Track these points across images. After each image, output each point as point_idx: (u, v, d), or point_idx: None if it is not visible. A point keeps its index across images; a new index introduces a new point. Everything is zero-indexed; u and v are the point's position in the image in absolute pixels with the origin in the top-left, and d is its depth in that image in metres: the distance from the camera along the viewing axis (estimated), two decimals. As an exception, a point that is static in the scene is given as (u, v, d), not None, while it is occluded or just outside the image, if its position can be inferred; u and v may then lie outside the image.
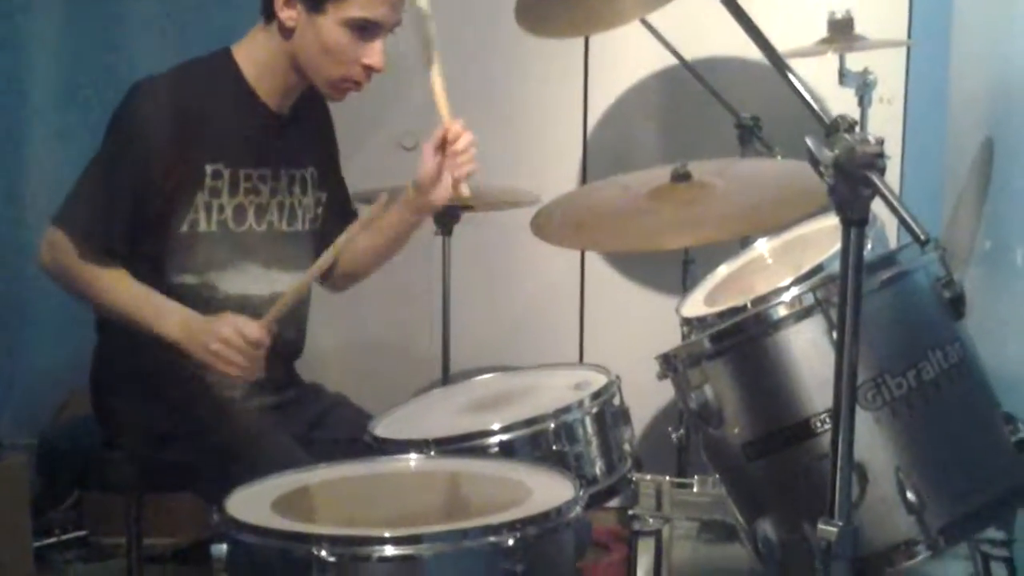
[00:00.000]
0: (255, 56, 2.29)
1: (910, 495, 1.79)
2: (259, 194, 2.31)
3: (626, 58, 3.62)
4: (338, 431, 2.33)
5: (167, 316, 2.19)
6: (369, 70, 2.26)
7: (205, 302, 2.26)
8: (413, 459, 1.99)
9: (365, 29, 2.22)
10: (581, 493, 1.72)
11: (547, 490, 1.75)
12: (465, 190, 2.40)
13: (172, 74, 2.28)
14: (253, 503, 1.75)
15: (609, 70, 3.69)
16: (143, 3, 3.74)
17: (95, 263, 2.20)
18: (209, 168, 2.24)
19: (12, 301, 3.57)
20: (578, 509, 1.68)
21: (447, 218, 3.14)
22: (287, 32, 2.24)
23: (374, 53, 2.24)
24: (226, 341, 2.12)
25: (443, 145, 2.37)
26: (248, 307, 2.29)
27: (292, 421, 2.34)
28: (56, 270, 2.23)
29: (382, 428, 2.19)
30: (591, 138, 3.72)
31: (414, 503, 1.87)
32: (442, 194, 2.39)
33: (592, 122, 3.72)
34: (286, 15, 2.23)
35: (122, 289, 2.21)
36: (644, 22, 3.07)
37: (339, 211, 2.49)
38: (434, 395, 2.49)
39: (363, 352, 3.66)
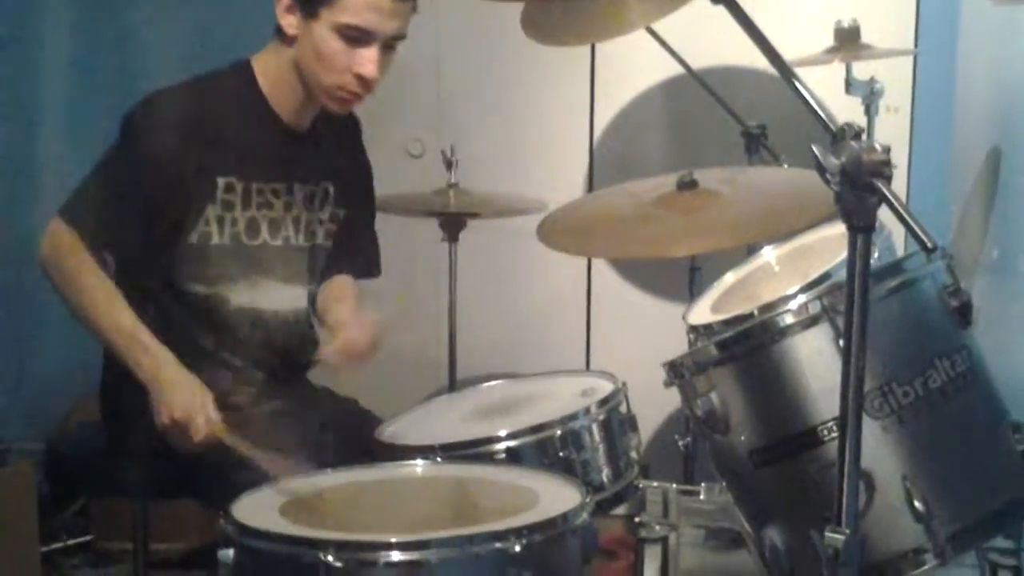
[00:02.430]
0: (269, 68, 2.29)
1: (917, 503, 1.79)
2: (272, 208, 2.30)
3: (632, 66, 3.62)
4: (349, 435, 2.33)
5: (142, 355, 2.15)
6: (361, 80, 2.22)
7: (215, 312, 2.27)
8: (420, 465, 1.99)
9: (357, 38, 2.19)
10: (588, 499, 1.72)
11: (554, 496, 1.75)
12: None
13: (188, 85, 2.28)
14: (260, 508, 1.76)
15: (615, 78, 3.69)
16: (159, 16, 3.76)
17: (93, 269, 2.17)
18: (221, 181, 2.23)
19: (20, 307, 3.57)
20: (585, 515, 1.69)
21: (453, 225, 3.15)
22: (289, 40, 2.24)
23: (365, 62, 2.19)
24: (173, 424, 2.09)
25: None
26: (260, 320, 2.30)
27: (302, 425, 2.34)
28: (52, 263, 2.21)
29: (389, 434, 2.20)
30: (597, 146, 3.73)
31: (421, 509, 1.87)
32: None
33: (598, 130, 3.73)
34: (287, 21, 2.23)
35: (110, 308, 2.18)
36: (650, 30, 3.07)
37: (354, 230, 2.49)
38: (441, 401, 2.50)
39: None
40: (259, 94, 2.29)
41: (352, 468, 1.98)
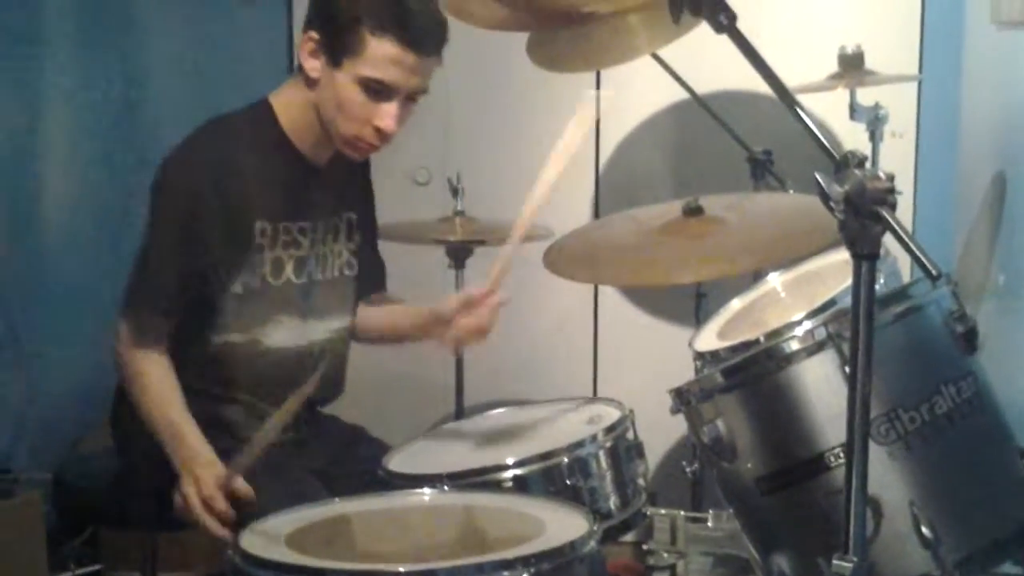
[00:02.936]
0: (289, 106, 2.26)
1: (925, 530, 1.79)
2: (299, 247, 2.28)
3: (637, 93, 3.63)
4: (359, 465, 2.32)
5: (180, 448, 2.12)
6: (380, 132, 2.20)
7: (250, 358, 2.25)
8: (427, 493, 1.99)
9: (378, 91, 2.16)
10: (595, 527, 1.71)
11: (561, 524, 1.75)
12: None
13: (208, 134, 2.24)
14: (267, 538, 1.76)
15: (620, 105, 3.70)
16: (162, 30, 3.77)
17: (147, 359, 2.18)
18: (257, 226, 2.22)
19: (28, 337, 3.58)
20: (592, 543, 1.68)
21: (460, 252, 3.15)
22: (311, 83, 2.21)
23: (385, 116, 2.17)
24: (185, 497, 2.05)
25: (467, 305, 2.32)
26: (287, 360, 2.28)
27: (311, 456, 2.34)
28: (118, 359, 2.21)
29: (396, 463, 2.20)
30: (603, 173, 3.74)
31: (428, 537, 1.87)
32: (445, 340, 2.35)
33: (604, 157, 3.73)
34: (310, 65, 2.19)
35: (159, 400, 2.17)
36: (655, 56, 3.09)
37: (369, 254, 2.49)
38: (448, 429, 2.49)
39: (377, 385, 3.66)
40: (282, 134, 2.26)
41: (359, 497, 1.98)
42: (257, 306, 2.25)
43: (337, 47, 2.16)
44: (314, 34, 2.19)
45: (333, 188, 2.35)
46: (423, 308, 2.42)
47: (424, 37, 2.17)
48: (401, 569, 1.60)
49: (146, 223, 2.23)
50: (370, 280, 2.53)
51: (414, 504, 1.97)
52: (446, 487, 2.01)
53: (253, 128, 2.26)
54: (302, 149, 2.28)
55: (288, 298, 2.28)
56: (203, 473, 2.02)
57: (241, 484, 1.99)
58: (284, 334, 2.29)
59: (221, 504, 1.98)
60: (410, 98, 2.21)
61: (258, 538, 1.75)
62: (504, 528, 1.83)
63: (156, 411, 2.17)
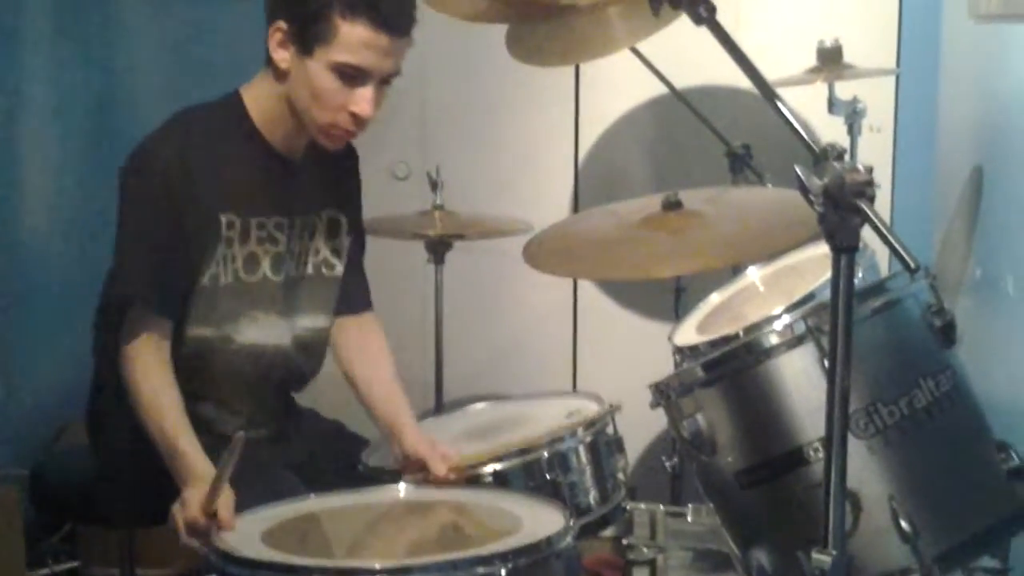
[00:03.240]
0: (260, 99, 2.23)
1: (904, 524, 1.79)
2: (276, 243, 2.25)
3: (617, 87, 3.63)
4: (338, 460, 2.31)
5: (172, 459, 2.07)
6: (356, 118, 2.17)
7: (222, 354, 2.24)
8: (405, 489, 1.98)
9: (353, 76, 2.13)
10: (572, 523, 1.71)
11: (538, 520, 1.75)
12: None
13: (177, 123, 2.22)
14: (243, 535, 1.75)
15: (600, 98, 3.70)
16: (138, 23, 3.75)
17: (150, 373, 2.13)
18: (224, 218, 2.20)
19: (5, 333, 3.56)
20: (568, 539, 1.68)
21: (439, 246, 3.15)
22: (281, 75, 2.18)
23: (361, 100, 2.14)
24: (174, 515, 2.00)
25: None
26: (262, 357, 2.27)
27: (290, 451, 2.32)
28: (120, 361, 2.16)
29: (375, 457, 2.19)
30: (582, 167, 3.74)
31: (405, 534, 1.86)
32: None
33: (583, 151, 3.73)
34: (279, 56, 2.16)
35: (155, 410, 2.11)
36: (635, 51, 3.09)
37: (357, 263, 2.47)
38: (427, 424, 2.48)
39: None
40: (252, 126, 2.23)
41: (336, 493, 1.97)
42: (229, 301, 2.22)
43: (307, 35, 2.13)
44: (282, 24, 2.15)
45: (310, 184, 2.33)
46: (391, 405, 2.33)
47: (396, 18, 2.14)
48: (376, 566, 1.59)
49: (119, 217, 2.19)
50: (365, 294, 2.50)
51: (392, 500, 1.96)
52: (424, 482, 2.01)
53: (223, 119, 2.23)
54: (273, 142, 2.25)
55: (264, 294, 2.26)
56: (189, 494, 1.96)
57: (224, 513, 1.87)
58: (258, 331, 2.27)
59: (203, 527, 1.91)
60: (384, 81, 2.19)
61: (234, 535, 1.74)
62: (481, 524, 1.83)
63: (151, 419, 2.12)
